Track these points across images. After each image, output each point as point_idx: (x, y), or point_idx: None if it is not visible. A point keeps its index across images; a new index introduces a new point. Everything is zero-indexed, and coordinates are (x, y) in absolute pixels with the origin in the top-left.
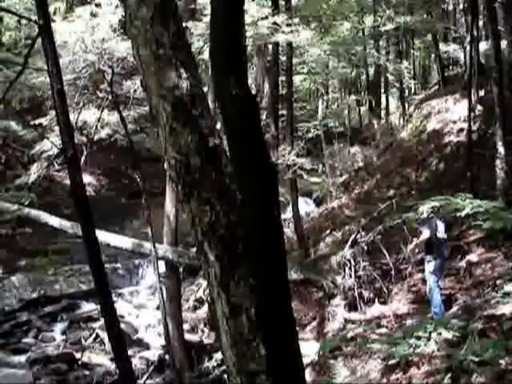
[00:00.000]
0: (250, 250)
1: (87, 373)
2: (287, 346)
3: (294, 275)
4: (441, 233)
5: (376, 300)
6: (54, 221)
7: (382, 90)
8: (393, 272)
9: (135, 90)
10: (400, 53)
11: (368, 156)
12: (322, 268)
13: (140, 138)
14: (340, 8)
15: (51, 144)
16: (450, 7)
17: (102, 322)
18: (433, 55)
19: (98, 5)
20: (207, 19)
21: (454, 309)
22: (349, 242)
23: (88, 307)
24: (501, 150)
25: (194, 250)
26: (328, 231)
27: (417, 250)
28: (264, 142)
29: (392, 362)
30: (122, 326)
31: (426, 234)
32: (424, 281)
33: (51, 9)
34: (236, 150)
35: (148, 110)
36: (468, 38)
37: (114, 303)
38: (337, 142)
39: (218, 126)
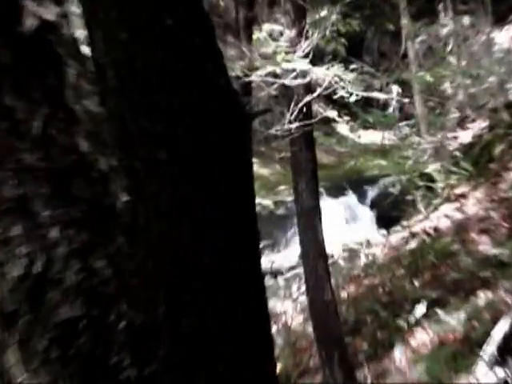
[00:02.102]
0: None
1: None
2: None
3: None
4: None
5: None
6: None
7: None
8: None
9: None
10: None
11: None
12: None
13: None
14: None
15: None
16: None
17: None
18: None
19: None
20: None
21: None
22: (490, 346)
23: None
24: None
25: None
26: (420, 306)
27: None
28: (209, 22)
29: None
30: None
31: None
32: None
33: None
34: (125, 47)
35: None
36: None
37: None
38: (449, 13)
39: None
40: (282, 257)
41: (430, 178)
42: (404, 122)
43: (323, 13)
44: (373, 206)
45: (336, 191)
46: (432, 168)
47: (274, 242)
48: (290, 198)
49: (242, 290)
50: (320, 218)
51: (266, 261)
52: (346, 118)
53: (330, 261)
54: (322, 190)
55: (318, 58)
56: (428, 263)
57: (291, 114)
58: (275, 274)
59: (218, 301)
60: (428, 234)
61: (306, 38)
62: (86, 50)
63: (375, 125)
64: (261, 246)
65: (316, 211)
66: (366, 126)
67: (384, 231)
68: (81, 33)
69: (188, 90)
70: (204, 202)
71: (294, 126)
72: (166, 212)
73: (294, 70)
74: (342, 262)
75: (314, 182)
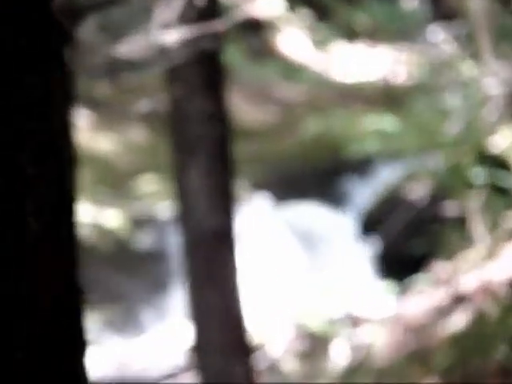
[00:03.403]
0: None
1: None
2: None
3: None
4: None
5: None
6: None
7: None
8: None
9: None
10: None
11: None
12: None
13: None
14: None
15: None
16: None
17: None
18: None
19: None
20: None
21: None
22: None
23: None
24: None
25: None
26: None
27: None
28: None
29: None
30: None
31: None
32: None
33: None
34: None
35: None
36: None
37: None
38: None
39: None
40: (149, 350)
41: (499, 163)
42: (440, 29)
43: None
44: (366, 227)
45: (279, 192)
46: (506, 139)
47: (129, 315)
48: (165, 209)
49: None
50: (235, 257)
51: (111, 359)
52: (303, 16)
53: (261, 361)
54: (242, 187)
55: None
56: (494, 365)
57: (166, 9)
58: None
59: None
60: (494, 296)
61: None
62: None
63: (374, 34)
64: (92, 326)
65: (226, 240)
66: (352, 37)
67: (391, 287)
68: None
69: None
70: None
71: (174, 35)
72: None
73: None
74: (291, 365)
75: (223, 168)
